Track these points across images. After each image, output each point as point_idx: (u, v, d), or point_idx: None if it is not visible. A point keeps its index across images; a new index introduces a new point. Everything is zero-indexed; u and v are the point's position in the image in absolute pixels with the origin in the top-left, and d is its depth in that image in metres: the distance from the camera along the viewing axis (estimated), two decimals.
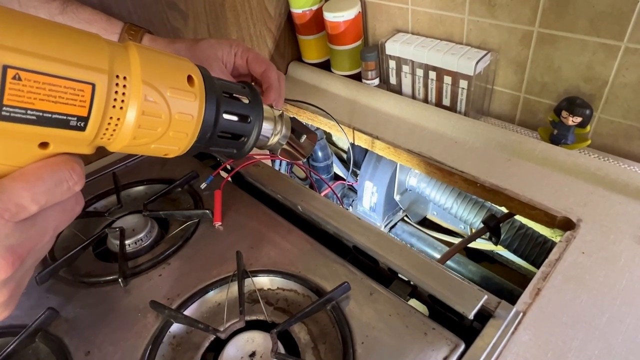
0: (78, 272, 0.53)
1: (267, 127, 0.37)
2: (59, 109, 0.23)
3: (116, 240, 0.55)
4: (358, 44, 0.85)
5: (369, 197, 0.90)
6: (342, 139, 0.80)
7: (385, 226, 0.92)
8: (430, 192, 0.85)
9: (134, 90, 0.26)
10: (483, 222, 0.66)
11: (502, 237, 0.73)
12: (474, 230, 0.95)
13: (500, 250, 0.89)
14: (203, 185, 0.63)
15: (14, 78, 0.22)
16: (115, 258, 0.55)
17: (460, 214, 0.82)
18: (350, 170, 1.05)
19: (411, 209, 0.96)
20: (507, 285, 0.83)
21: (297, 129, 0.41)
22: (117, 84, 0.25)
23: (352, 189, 1.04)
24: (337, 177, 1.14)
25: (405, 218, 0.97)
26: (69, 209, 0.27)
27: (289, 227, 0.56)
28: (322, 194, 0.94)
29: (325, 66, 0.93)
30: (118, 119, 0.26)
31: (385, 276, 0.50)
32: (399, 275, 0.49)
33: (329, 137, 1.10)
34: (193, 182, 0.65)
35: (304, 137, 0.42)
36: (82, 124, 0.25)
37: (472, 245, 0.94)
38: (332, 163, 1.08)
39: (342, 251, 0.53)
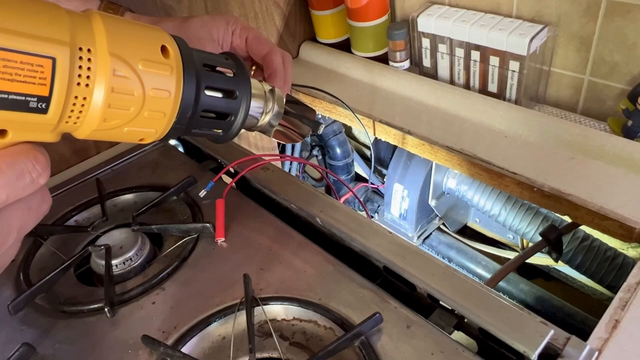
0: (57, 299, 0.52)
1: (256, 104, 0.38)
2: (15, 88, 0.24)
3: (101, 261, 0.54)
4: (384, 20, 0.83)
5: (399, 202, 0.88)
6: (358, 127, 0.79)
7: (419, 237, 0.90)
8: (473, 196, 0.82)
9: (100, 64, 0.26)
10: (542, 234, 0.63)
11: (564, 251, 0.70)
12: (525, 241, 0.92)
13: (559, 265, 0.86)
14: (202, 193, 0.62)
15: None
16: (101, 280, 0.54)
17: (510, 223, 0.79)
18: (373, 169, 1.02)
19: (449, 216, 0.93)
20: (569, 309, 0.80)
21: (291, 105, 0.41)
22: (80, 58, 0.26)
23: (377, 192, 1.02)
24: (358, 178, 1.12)
25: (442, 226, 0.95)
26: (35, 207, 0.27)
27: (305, 243, 0.54)
28: (342, 199, 0.92)
29: (344, 47, 0.91)
30: (84, 98, 0.26)
31: (424, 304, 0.48)
32: (441, 303, 0.47)
33: (348, 130, 1.08)
34: (190, 189, 0.64)
35: (299, 115, 0.42)
36: (43, 105, 0.25)
37: None
38: (352, 161, 1.07)
39: (370, 273, 0.51)
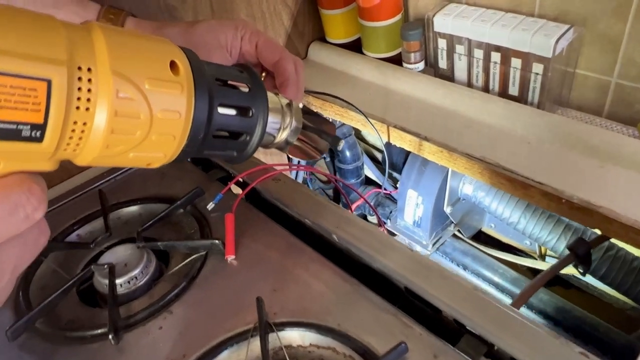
0: (59, 323, 0.50)
1: (273, 120, 0.35)
2: (6, 115, 0.21)
3: (105, 280, 0.52)
4: (397, 19, 0.79)
5: (413, 209, 0.84)
6: (371, 131, 0.76)
7: (434, 245, 0.87)
8: (491, 203, 0.79)
9: (102, 84, 0.24)
10: (569, 248, 0.60)
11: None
12: (543, 249, 0.89)
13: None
14: (210, 206, 0.59)
15: None
16: (105, 300, 0.52)
17: (530, 231, 0.76)
18: (387, 174, 0.99)
19: (464, 222, 0.90)
20: (591, 320, 0.77)
21: (310, 120, 0.38)
22: (79, 78, 0.23)
23: (389, 196, 0.99)
24: (368, 181, 1.08)
25: (457, 233, 0.92)
26: (31, 242, 0.25)
27: (321, 260, 0.51)
28: (354, 205, 0.89)
29: (355, 47, 0.88)
30: (84, 123, 0.24)
31: (450, 329, 0.45)
32: (469, 329, 0.44)
33: (357, 132, 1.05)
34: (198, 201, 0.61)
35: (317, 130, 0.39)
36: (38, 134, 0.23)
37: (539, 266, 0.88)
38: (362, 164, 1.03)
39: (390, 293, 0.48)
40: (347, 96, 0.75)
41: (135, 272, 0.52)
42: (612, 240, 0.69)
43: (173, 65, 0.27)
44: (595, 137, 0.60)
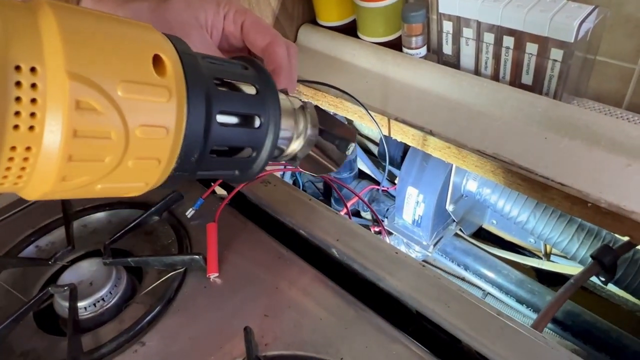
0: (11, 355, 0.42)
1: (284, 128, 0.27)
2: None
3: (65, 303, 0.44)
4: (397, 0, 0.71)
5: (413, 207, 0.78)
6: (369, 124, 0.69)
7: (434, 245, 0.81)
8: (497, 201, 0.73)
9: (52, 91, 0.17)
10: (594, 257, 0.54)
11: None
12: (549, 247, 0.84)
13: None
14: (190, 212, 0.52)
15: None
16: (67, 325, 0.44)
17: (540, 231, 0.70)
18: (384, 171, 0.92)
19: (465, 219, 0.84)
20: (602, 324, 0.72)
21: (326, 125, 0.31)
22: (18, 83, 0.16)
23: (386, 193, 0.92)
24: (361, 175, 1.01)
25: (459, 232, 0.86)
26: None
27: (319, 278, 0.44)
28: (349, 203, 0.82)
29: (350, 30, 0.80)
30: (27, 148, 0.17)
31: None
32: None
33: (350, 123, 0.98)
34: (175, 206, 0.54)
35: (333, 137, 0.31)
36: None
37: (545, 267, 0.83)
38: (356, 158, 0.96)
39: (400, 316, 0.41)
40: (341, 85, 0.68)
41: (102, 292, 0.45)
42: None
43: (157, 61, 0.20)
44: (621, 131, 0.54)
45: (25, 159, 0.17)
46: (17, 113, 0.16)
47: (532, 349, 0.37)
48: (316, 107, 0.31)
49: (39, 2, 0.18)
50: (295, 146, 0.29)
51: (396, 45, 0.74)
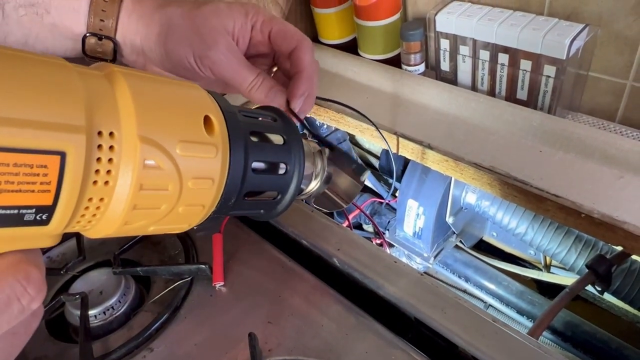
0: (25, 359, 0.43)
1: (306, 172, 0.30)
2: (5, 200, 0.17)
3: (76, 311, 0.46)
4: (396, 18, 0.74)
5: (413, 219, 0.79)
6: (370, 139, 0.71)
7: (435, 257, 0.82)
8: (496, 213, 0.74)
9: (126, 153, 0.19)
10: (589, 266, 0.55)
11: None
12: (548, 259, 0.85)
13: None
14: None
15: None
16: (77, 332, 0.46)
17: (538, 243, 0.71)
18: (383, 181, 0.94)
19: (465, 231, 0.85)
20: (602, 335, 0.73)
21: (339, 165, 0.34)
22: (99, 146, 0.18)
23: (387, 205, 0.94)
24: (363, 188, 1.03)
25: (459, 244, 0.87)
26: (22, 329, 0.22)
27: (321, 287, 0.46)
28: (351, 216, 0.84)
29: (351, 48, 0.82)
30: (101, 199, 0.20)
31: None
32: None
33: (352, 137, 1.00)
34: None
35: (346, 177, 0.34)
36: (43, 217, 0.18)
37: (545, 278, 0.84)
38: None
39: (399, 323, 0.42)
40: (343, 100, 0.70)
41: (112, 301, 0.47)
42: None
43: (207, 121, 0.23)
44: (613, 144, 0.56)
45: (98, 208, 0.20)
46: (97, 171, 0.19)
47: (528, 355, 0.38)
48: (333, 146, 0.34)
49: (113, 71, 0.20)
50: (314, 186, 0.32)
51: (396, 62, 0.76)
